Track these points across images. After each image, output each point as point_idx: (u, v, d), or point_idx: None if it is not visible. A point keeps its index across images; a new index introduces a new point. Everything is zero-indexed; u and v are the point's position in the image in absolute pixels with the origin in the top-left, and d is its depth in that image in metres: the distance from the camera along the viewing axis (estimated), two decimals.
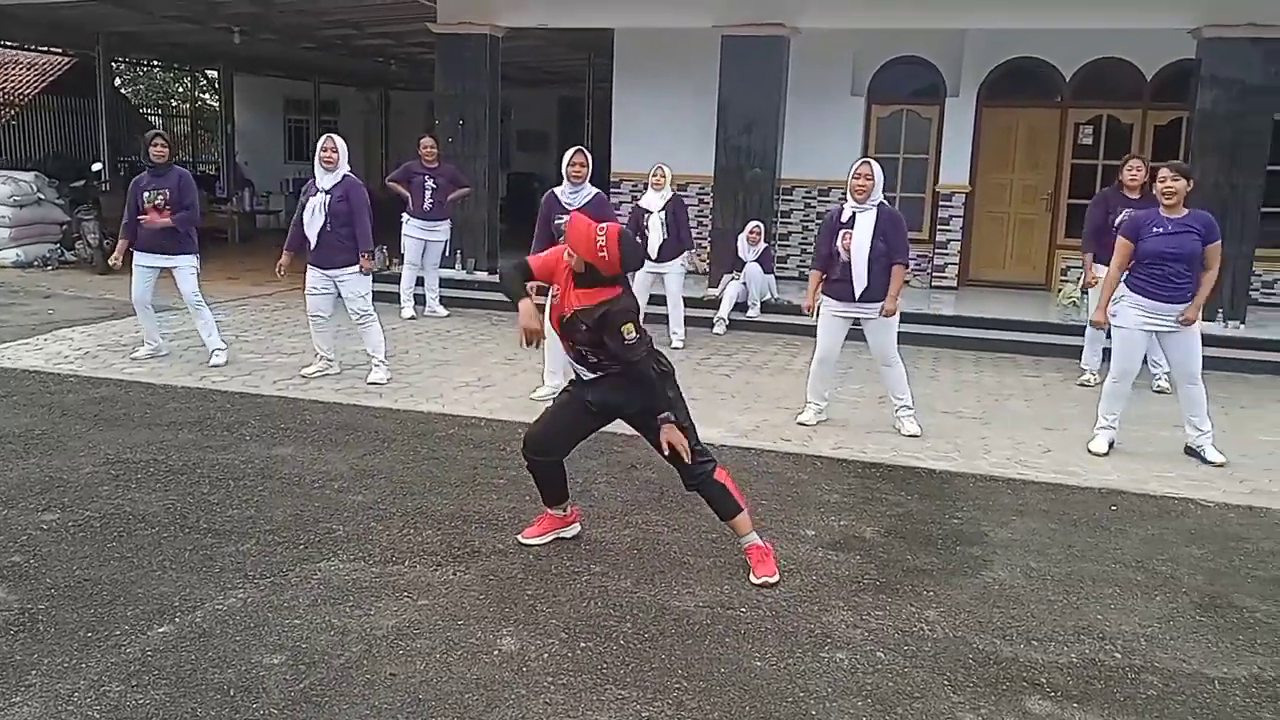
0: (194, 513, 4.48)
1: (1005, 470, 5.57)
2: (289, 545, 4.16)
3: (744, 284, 9.65)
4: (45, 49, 17.82)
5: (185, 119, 25.11)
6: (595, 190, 6.80)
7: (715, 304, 9.62)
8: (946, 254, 11.33)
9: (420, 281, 9.87)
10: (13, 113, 18.81)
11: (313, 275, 6.96)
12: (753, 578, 3.98)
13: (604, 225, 3.85)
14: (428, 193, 9.54)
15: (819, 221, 11.41)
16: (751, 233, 9.73)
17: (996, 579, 4.12)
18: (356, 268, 6.88)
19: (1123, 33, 10.09)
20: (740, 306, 9.69)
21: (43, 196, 12.70)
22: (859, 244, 5.95)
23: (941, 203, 11.30)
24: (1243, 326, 9.10)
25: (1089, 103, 11.09)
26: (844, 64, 11.29)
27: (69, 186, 13.68)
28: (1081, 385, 7.74)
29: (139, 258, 7.31)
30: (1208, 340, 7.72)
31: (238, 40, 13.25)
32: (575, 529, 4.38)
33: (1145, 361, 7.11)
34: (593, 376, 4.05)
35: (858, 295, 6.04)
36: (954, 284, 11.33)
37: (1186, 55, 9.53)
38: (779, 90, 10.09)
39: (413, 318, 9.65)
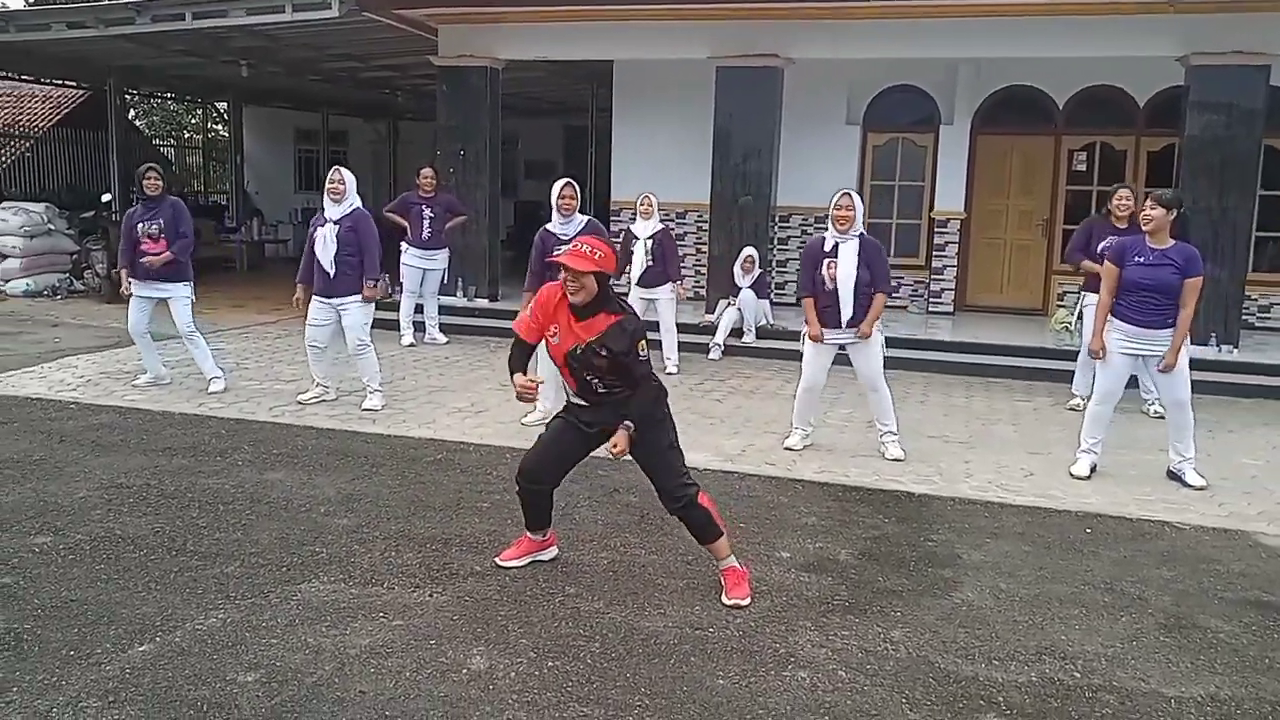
0: (182, 536, 4.58)
1: (985, 494, 5.63)
2: (272, 567, 4.26)
3: (739, 310, 9.75)
4: (59, 82, 18.15)
5: (198, 150, 25.47)
6: (587, 218, 6.96)
7: (712, 330, 9.72)
8: (942, 280, 11.41)
9: (420, 309, 10.02)
10: (27, 145, 19.16)
11: (315, 306, 7.09)
12: (724, 599, 4.06)
13: (582, 239, 4.01)
14: (425, 222, 9.70)
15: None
16: (746, 261, 9.85)
17: (965, 600, 4.19)
18: (359, 296, 7.02)
19: (1114, 60, 10.21)
20: (736, 332, 9.80)
21: (53, 227, 12.94)
22: (844, 273, 6.10)
23: (937, 229, 11.40)
24: (1236, 351, 9.14)
25: (1082, 129, 11.20)
26: (839, 93, 11.45)
27: (79, 217, 13.91)
28: (1071, 409, 7.80)
29: (135, 288, 7.47)
30: (1201, 364, 7.79)
31: (245, 73, 13.50)
32: (553, 552, 4.47)
33: (1136, 385, 7.19)
34: (587, 404, 4.12)
35: (844, 322, 6.17)
36: (950, 310, 11.40)
37: (1177, 82, 9.63)
38: (774, 119, 10.24)
39: (412, 345, 9.78)
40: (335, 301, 7.01)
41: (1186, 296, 5.67)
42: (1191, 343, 5.92)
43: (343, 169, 7.07)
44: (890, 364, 8.38)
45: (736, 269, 9.85)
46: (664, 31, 10.23)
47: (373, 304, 7.18)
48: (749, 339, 9.85)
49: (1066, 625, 3.97)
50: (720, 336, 9.65)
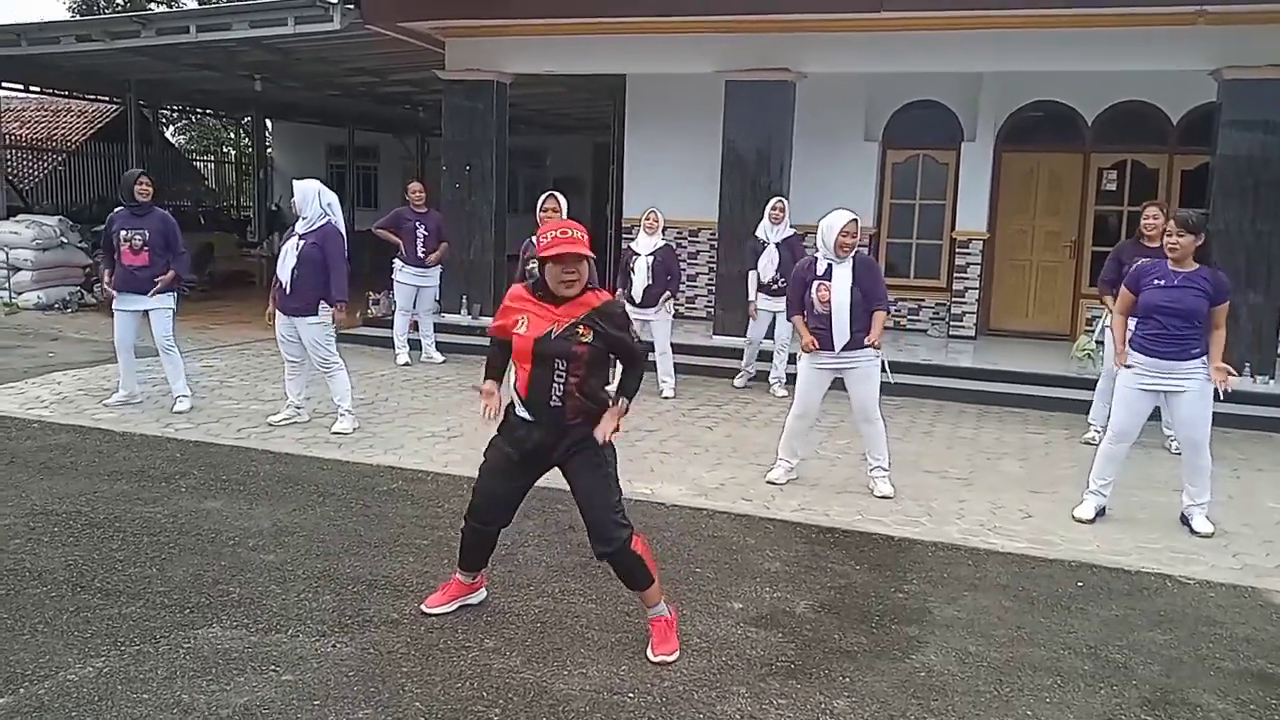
0: (93, 570, 4.31)
1: (973, 538, 5.18)
2: (175, 608, 3.96)
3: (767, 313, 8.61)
4: (91, 97, 18.30)
5: (234, 164, 25.67)
6: None
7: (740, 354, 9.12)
8: (964, 303, 10.93)
9: (416, 327, 9.77)
10: (60, 158, 19.34)
11: (279, 321, 6.86)
12: (650, 655, 3.68)
13: (561, 224, 3.69)
14: (420, 239, 9.45)
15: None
16: (775, 210, 8.56)
17: (926, 664, 3.76)
18: (315, 317, 6.73)
19: (1146, 75, 9.71)
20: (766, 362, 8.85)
21: (65, 240, 12.92)
22: (839, 299, 5.74)
23: (959, 250, 10.93)
24: (1272, 381, 8.57)
25: (1113, 147, 10.69)
26: (856, 109, 11.05)
27: (91, 230, 13.89)
28: (1086, 443, 7.29)
29: (119, 301, 7.29)
30: (1232, 396, 7.24)
31: (258, 87, 13.43)
32: (481, 595, 4.13)
33: (1159, 417, 6.68)
34: (531, 419, 3.70)
35: (839, 347, 5.78)
36: (972, 334, 10.91)
37: (1213, 98, 9.10)
38: (786, 135, 9.88)
39: (408, 364, 9.52)
40: (294, 320, 6.75)
41: (1218, 320, 5.23)
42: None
43: (301, 183, 6.76)
44: (902, 390, 8.00)
45: (765, 223, 8.61)
46: (671, 44, 9.92)
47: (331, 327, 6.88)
48: (777, 372, 8.74)
49: (1036, 699, 3.53)
50: (748, 362, 9.00)
